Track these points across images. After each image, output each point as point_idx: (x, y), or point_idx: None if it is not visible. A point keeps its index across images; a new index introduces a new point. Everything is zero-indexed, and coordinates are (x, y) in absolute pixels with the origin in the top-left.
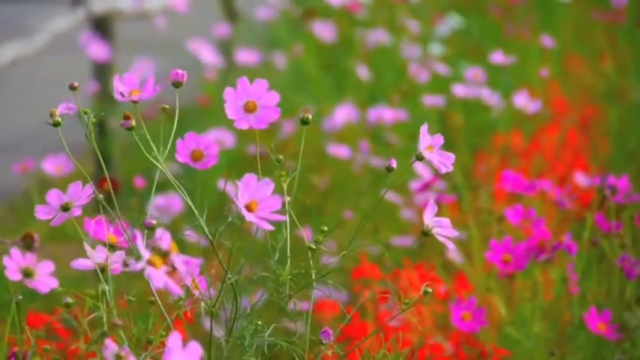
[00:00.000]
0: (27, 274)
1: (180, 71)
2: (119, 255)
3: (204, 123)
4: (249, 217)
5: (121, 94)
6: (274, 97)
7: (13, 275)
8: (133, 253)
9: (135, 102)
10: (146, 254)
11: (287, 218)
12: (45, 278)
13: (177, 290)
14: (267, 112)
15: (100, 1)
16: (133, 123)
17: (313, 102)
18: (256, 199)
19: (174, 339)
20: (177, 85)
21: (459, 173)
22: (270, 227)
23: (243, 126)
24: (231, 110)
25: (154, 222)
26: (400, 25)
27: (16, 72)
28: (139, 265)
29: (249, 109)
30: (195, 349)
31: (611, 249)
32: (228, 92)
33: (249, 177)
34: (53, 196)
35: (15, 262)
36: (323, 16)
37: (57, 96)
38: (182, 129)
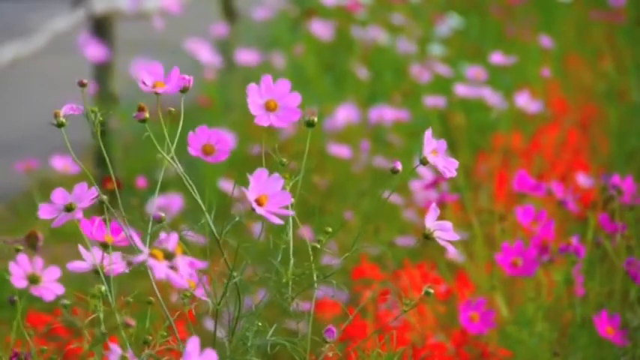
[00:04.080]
0: (33, 280)
1: (187, 76)
2: (118, 255)
3: (205, 123)
4: (259, 210)
5: (144, 83)
6: (296, 99)
7: (19, 282)
8: (134, 251)
9: (158, 94)
10: (145, 249)
11: (292, 214)
12: (51, 285)
13: (179, 282)
14: (288, 113)
15: (100, 1)
16: (147, 115)
17: (313, 102)
18: (266, 194)
19: (192, 344)
20: (183, 90)
21: (461, 173)
22: (279, 221)
23: (264, 123)
24: (253, 106)
25: (162, 214)
26: (399, 24)
27: (16, 72)
28: (141, 258)
29: (270, 107)
30: (211, 356)
31: (614, 250)
32: (251, 88)
33: (261, 171)
34: (59, 196)
35: (21, 267)
36: (322, 16)
37: (57, 96)
38: (182, 129)
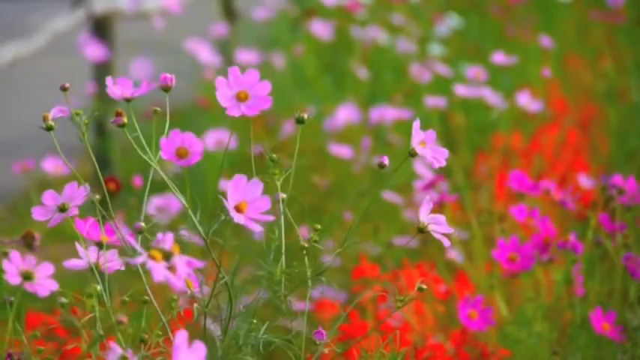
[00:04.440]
0: (26, 277)
1: (168, 75)
2: (113, 254)
3: (204, 123)
4: (237, 218)
5: (114, 93)
6: (266, 87)
7: (13, 279)
8: (127, 252)
9: (128, 100)
10: (142, 251)
11: (274, 218)
12: (44, 281)
13: (178, 284)
14: (259, 101)
15: (100, 1)
16: (125, 120)
17: (313, 102)
18: (246, 200)
19: (180, 337)
20: (166, 89)
21: (460, 173)
22: (259, 228)
23: (235, 113)
24: (222, 98)
25: (143, 225)
26: (399, 24)
27: (16, 72)
28: (140, 259)
29: (240, 98)
30: (200, 348)
31: (615, 249)
32: (219, 81)
33: (239, 178)
34: (49, 197)
35: (14, 265)
36: (322, 16)
37: (57, 96)
38: (182, 129)
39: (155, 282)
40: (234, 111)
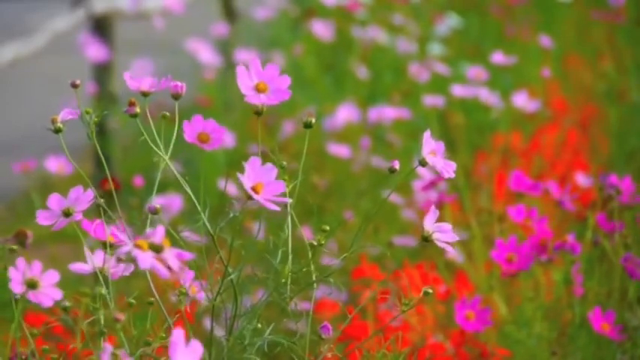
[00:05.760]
0: (31, 285)
1: (179, 83)
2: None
3: None
4: (256, 197)
5: (133, 86)
6: (285, 81)
7: (17, 287)
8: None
9: (145, 94)
10: (129, 242)
11: (288, 201)
12: (49, 290)
13: (165, 272)
14: (279, 94)
15: (101, 1)
16: (138, 110)
17: (313, 102)
18: (262, 182)
19: (177, 334)
20: (176, 97)
21: (460, 173)
22: (276, 208)
23: (255, 101)
24: (244, 87)
25: (157, 206)
26: (399, 24)
27: (16, 72)
28: (126, 248)
29: (259, 89)
30: (197, 347)
31: (613, 249)
32: (241, 70)
33: (254, 159)
34: (54, 201)
35: (20, 272)
36: (322, 16)
37: (57, 96)
38: (182, 129)
39: (156, 282)
40: (255, 99)
